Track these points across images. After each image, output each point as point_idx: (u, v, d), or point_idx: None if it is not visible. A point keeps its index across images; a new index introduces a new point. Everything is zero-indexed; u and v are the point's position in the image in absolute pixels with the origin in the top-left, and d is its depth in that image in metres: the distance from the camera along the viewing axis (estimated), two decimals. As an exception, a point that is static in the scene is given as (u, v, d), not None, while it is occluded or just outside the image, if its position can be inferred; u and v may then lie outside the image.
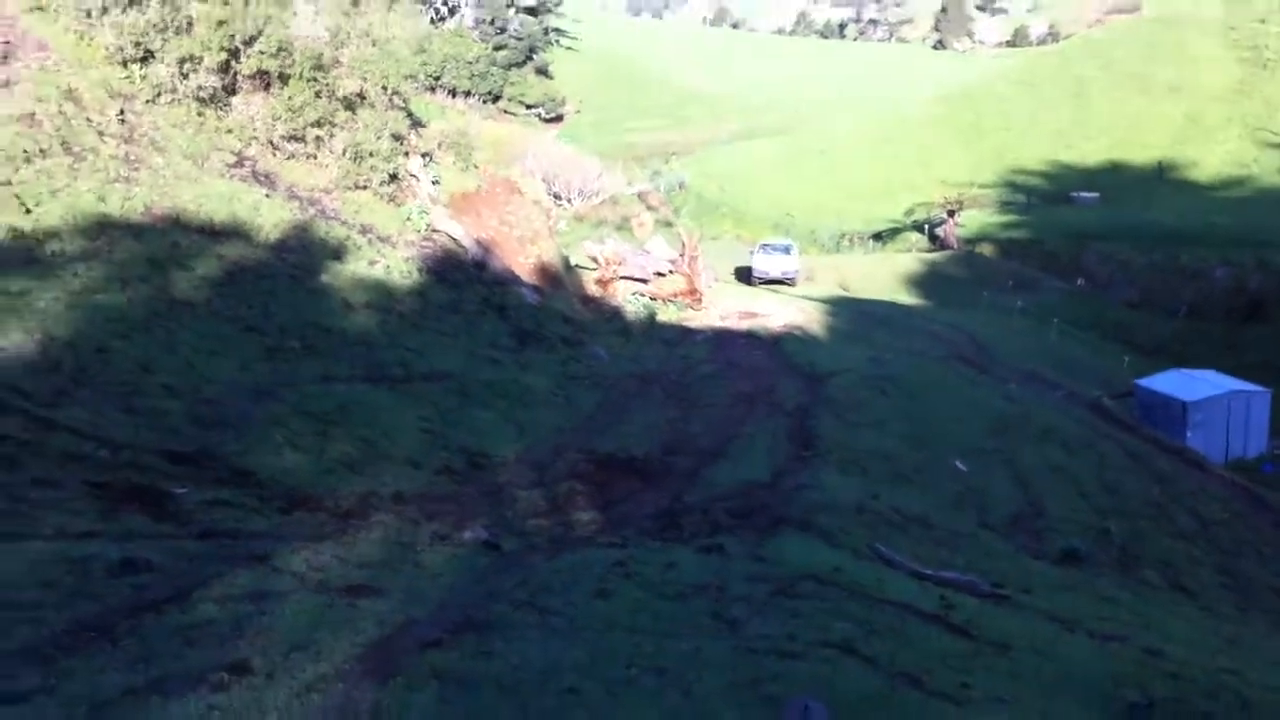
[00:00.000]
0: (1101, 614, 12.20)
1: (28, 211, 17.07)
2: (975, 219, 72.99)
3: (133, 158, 20.74)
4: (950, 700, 7.87)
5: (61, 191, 18.13)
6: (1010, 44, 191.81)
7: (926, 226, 73.27)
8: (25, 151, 18.41)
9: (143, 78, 22.86)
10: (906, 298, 53.16)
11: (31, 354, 13.59)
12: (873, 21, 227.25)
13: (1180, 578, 17.34)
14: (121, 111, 21.71)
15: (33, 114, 19.54)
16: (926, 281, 57.74)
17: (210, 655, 6.72)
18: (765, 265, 51.33)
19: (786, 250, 52.88)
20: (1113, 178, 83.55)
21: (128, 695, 6.13)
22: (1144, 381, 34.44)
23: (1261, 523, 22.53)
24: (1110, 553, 17.42)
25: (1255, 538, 21.19)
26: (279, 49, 24.90)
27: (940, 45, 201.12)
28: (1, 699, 6.14)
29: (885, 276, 57.66)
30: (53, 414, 12.25)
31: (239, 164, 23.51)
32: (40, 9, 22.47)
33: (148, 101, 22.76)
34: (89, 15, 22.71)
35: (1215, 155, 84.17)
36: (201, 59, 23.57)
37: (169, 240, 18.82)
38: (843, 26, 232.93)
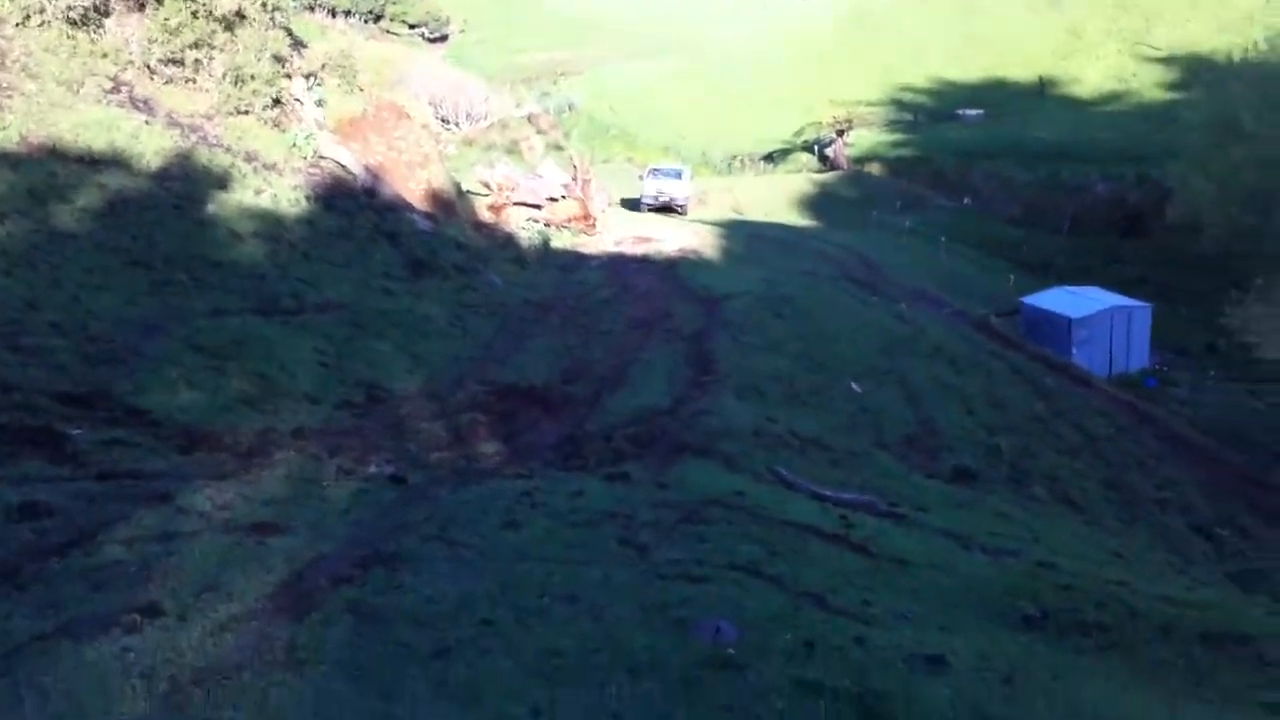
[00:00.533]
0: (994, 530, 12.61)
1: (-105, 144, 16.39)
2: (864, 138, 73.55)
3: (5, 85, 19.95)
4: (853, 618, 8.09)
5: (-69, 122, 17.44)
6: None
7: (816, 147, 73.67)
8: (-110, 80, 17.63)
9: (12, 0, 21.92)
10: (798, 219, 53.59)
11: (-92, 293, 13.14)
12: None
13: (1067, 492, 17.96)
14: (-9, 37, 20.86)
15: (-104, 41, 18.71)
16: (818, 202, 58.23)
17: (119, 597, 6.64)
18: (654, 190, 48.33)
19: (678, 175, 49.83)
20: (997, 94, 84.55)
21: (38, 640, 6.04)
22: (1029, 299, 35.29)
23: (1144, 436, 23.35)
24: (1000, 469, 17.96)
25: (1139, 451, 21.99)
26: None
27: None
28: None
29: (777, 198, 58.00)
30: (-65, 355, 11.89)
31: (115, 89, 22.72)
32: (-100, -71, 21.38)
33: (17, 25, 21.85)
34: (-47, -65, 21.67)
35: (1095, 70, 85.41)
36: (70, -24, 22.61)
37: (47, 170, 18.20)
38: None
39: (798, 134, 77.69)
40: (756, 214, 52.07)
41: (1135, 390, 29.21)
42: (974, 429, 19.84)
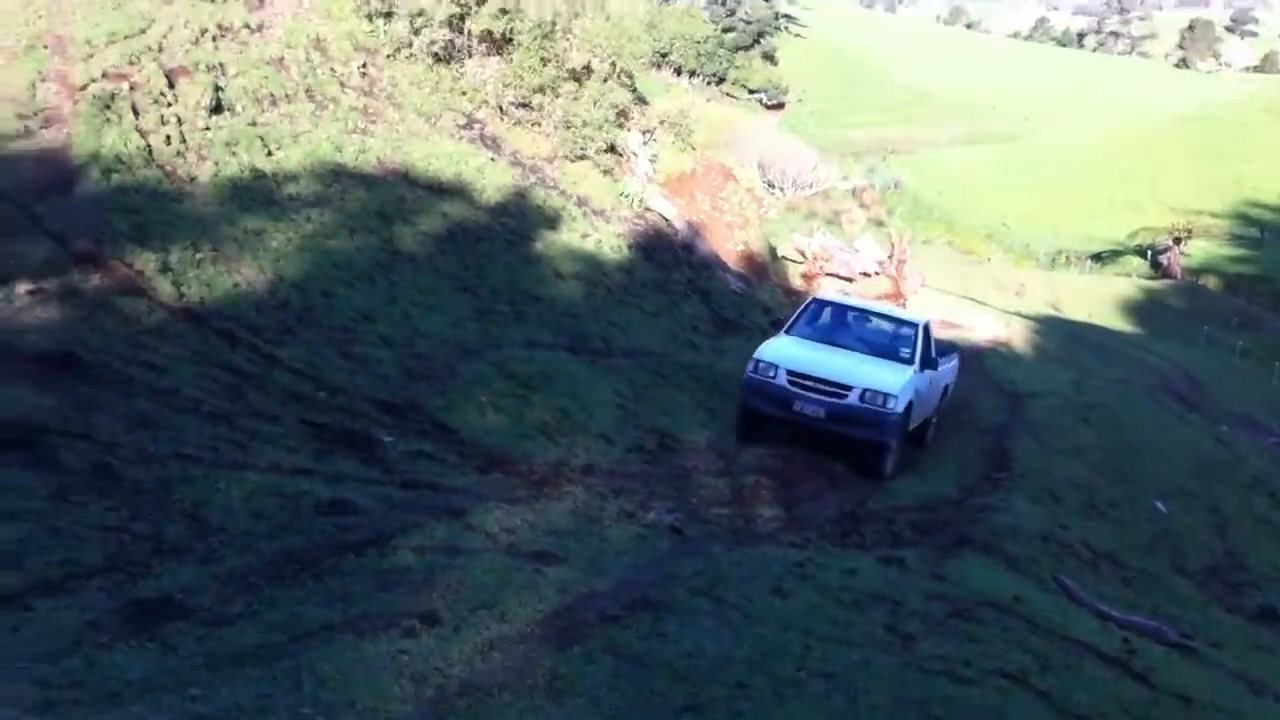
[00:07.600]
0: (1294, 680, 11.66)
1: (269, 154, 17.96)
2: (1202, 249, 69.87)
3: (370, 110, 21.58)
4: (1124, 749, 7.68)
5: (302, 137, 19.02)
6: (1258, 69, 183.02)
7: (1150, 252, 70.50)
8: (272, 95, 19.36)
9: (385, 33, 23.73)
10: (1120, 324, 51.27)
11: (262, 291, 14.35)
12: (1114, 34, 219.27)
13: (1384, 651, 16.42)
14: (364, 64, 22.64)
15: (281, 59, 20.53)
16: (1143, 309, 55.56)
17: (403, 601, 7.04)
18: (798, 366, 16.14)
19: (890, 347, 17.66)
20: (1359, 219, 78.81)
21: (324, 630, 6.48)
22: (1367, 440, 32.58)
23: None
24: (1311, 617, 16.59)
25: None
26: (502, 10, 25.46)
27: (1184, 64, 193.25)
28: (211, 620, 6.56)
29: (1100, 300, 55.70)
30: (276, 351, 12.93)
31: (468, 126, 24.23)
32: (298, -40, 23.56)
33: (388, 56, 23.63)
34: (341, -33, 23.71)
35: None
36: (434, 15, 24.31)
37: (397, 194, 19.55)
38: (1082, 36, 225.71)
39: (1131, 236, 74.44)
40: (1076, 313, 50.16)
41: None
42: (1287, 570, 18.42)
